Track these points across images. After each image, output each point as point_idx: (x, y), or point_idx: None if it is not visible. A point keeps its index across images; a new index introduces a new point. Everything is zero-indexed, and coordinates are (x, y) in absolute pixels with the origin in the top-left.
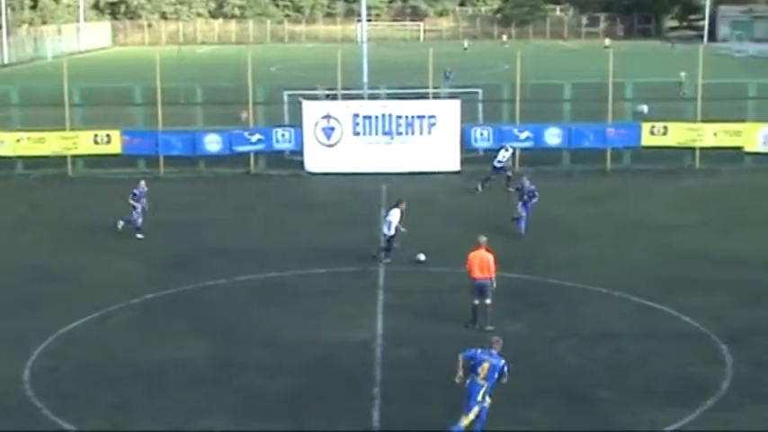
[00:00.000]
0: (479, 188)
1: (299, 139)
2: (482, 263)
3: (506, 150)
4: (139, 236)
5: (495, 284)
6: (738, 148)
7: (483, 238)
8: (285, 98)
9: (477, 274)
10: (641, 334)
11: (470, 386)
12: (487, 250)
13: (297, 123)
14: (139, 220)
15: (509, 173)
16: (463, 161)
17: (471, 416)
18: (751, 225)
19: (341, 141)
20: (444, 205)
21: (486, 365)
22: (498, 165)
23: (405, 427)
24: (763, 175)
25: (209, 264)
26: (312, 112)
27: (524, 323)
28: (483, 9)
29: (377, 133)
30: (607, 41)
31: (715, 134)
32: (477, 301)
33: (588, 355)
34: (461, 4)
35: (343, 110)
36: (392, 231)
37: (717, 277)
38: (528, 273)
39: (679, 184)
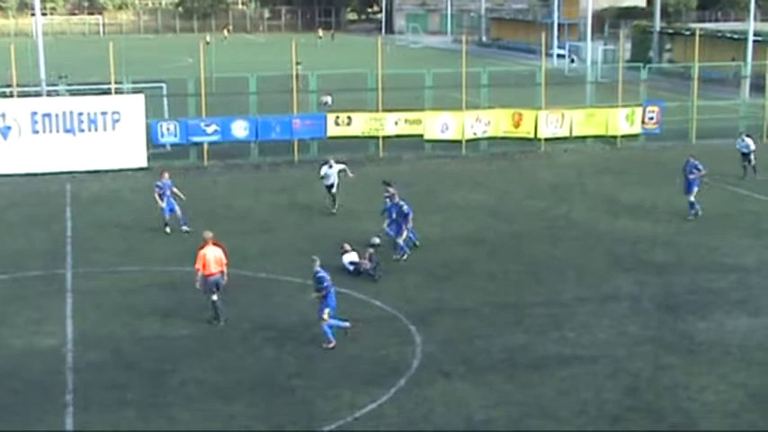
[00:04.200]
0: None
1: None
2: (215, 259)
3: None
4: (167, 230)
5: (226, 278)
6: (419, 136)
7: (209, 234)
8: None
9: (212, 269)
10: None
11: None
12: (216, 244)
13: None
14: (168, 215)
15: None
16: (150, 157)
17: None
18: (435, 210)
19: (19, 140)
20: (132, 202)
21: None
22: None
23: None
24: (442, 161)
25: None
26: None
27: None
28: (164, 2)
29: (58, 131)
30: (320, 32)
31: (396, 123)
32: (215, 297)
33: (284, 346)
34: None
35: (20, 108)
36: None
37: (402, 260)
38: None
39: (364, 172)
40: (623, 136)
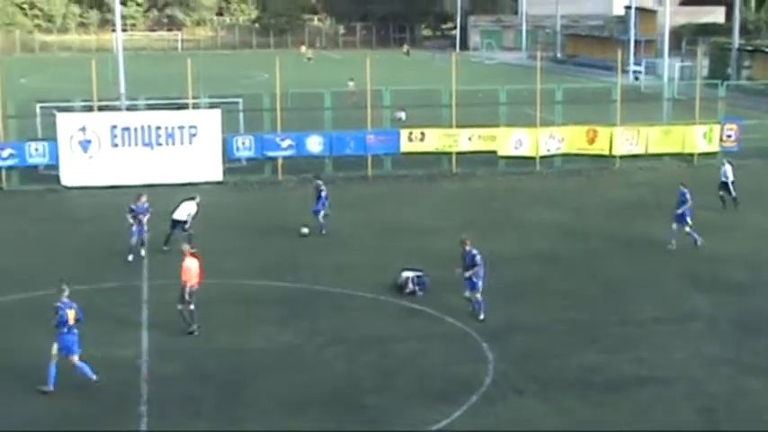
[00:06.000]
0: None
1: (55, 153)
2: (196, 271)
3: None
4: (130, 258)
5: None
6: (492, 153)
7: (186, 246)
8: (38, 111)
9: (193, 281)
10: (407, 336)
11: None
12: (194, 256)
13: (51, 136)
14: (134, 239)
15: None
16: (225, 171)
17: None
18: (509, 227)
19: (99, 154)
20: (207, 216)
21: None
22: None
23: None
24: (516, 177)
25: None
26: (67, 124)
27: (293, 331)
28: (241, 18)
29: (136, 144)
30: (405, 48)
31: (470, 139)
32: (180, 306)
33: (357, 361)
34: (219, 14)
35: (100, 122)
36: (182, 217)
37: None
38: (295, 281)
39: (437, 188)
40: (700, 154)
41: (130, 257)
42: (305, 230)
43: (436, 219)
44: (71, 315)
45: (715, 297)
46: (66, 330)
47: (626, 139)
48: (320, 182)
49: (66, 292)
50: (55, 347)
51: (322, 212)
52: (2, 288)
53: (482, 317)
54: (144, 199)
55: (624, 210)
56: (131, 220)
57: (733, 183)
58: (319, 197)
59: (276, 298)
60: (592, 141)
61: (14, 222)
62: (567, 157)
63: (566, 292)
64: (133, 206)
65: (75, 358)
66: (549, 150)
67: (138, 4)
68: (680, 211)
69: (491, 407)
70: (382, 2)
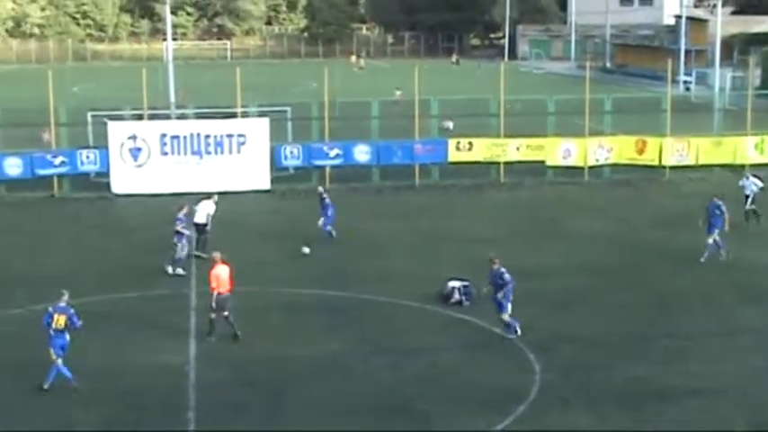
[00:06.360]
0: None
1: (105, 161)
2: (226, 278)
3: None
4: (181, 271)
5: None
6: (540, 162)
7: (217, 254)
8: (89, 119)
9: (222, 289)
10: (453, 346)
11: None
12: (224, 263)
13: (102, 144)
14: (184, 252)
15: None
16: (273, 180)
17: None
18: (554, 236)
19: (149, 162)
20: (255, 224)
21: None
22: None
23: None
24: (564, 187)
25: (13, 292)
26: (118, 132)
27: (340, 340)
28: (290, 28)
29: (185, 153)
30: (454, 57)
31: (518, 149)
32: (214, 315)
33: (403, 370)
34: (268, 24)
35: (150, 130)
36: (202, 220)
37: (523, 288)
38: (342, 289)
39: (485, 198)
40: (752, 165)
41: (181, 270)
42: (306, 250)
43: (483, 228)
44: (61, 320)
45: (765, 309)
46: (53, 333)
47: (676, 150)
48: (323, 191)
49: (65, 297)
50: (51, 351)
51: (322, 220)
52: (51, 294)
53: (517, 334)
54: (186, 210)
55: (673, 221)
56: (180, 230)
57: (755, 195)
58: (325, 206)
59: (323, 306)
60: (641, 152)
61: (65, 229)
62: (615, 167)
63: (613, 304)
64: (181, 216)
65: (59, 361)
66: (597, 160)
67: (189, 14)
68: (711, 222)
69: (537, 417)
70: (431, 11)
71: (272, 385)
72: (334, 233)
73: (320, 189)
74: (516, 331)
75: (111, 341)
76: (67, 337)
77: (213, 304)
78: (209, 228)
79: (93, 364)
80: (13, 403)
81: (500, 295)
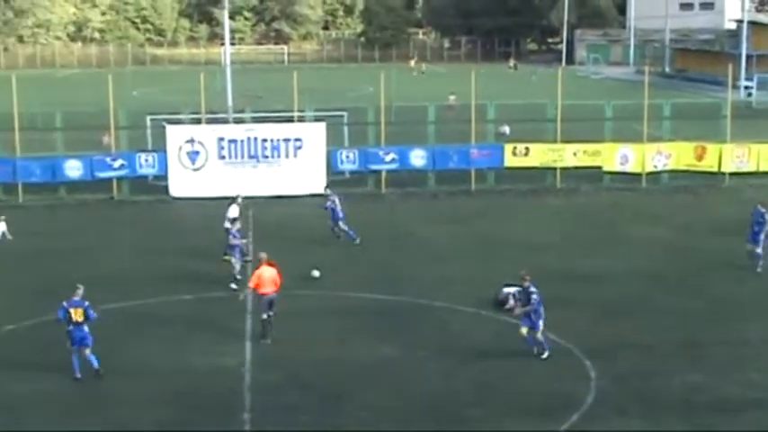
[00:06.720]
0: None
1: (164, 164)
2: (269, 278)
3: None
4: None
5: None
6: (597, 168)
7: (263, 255)
8: (148, 122)
9: (267, 289)
10: (508, 352)
11: None
12: (271, 264)
13: (161, 148)
14: (239, 266)
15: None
16: (329, 184)
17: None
18: (610, 243)
19: (206, 165)
20: (311, 228)
21: None
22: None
23: None
24: (621, 193)
25: (70, 293)
26: (176, 136)
27: (395, 345)
28: (346, 33)
29: (242, 157)
30: (512, 62)
31: (575, 154)
32: (265, 315)
33: (457, 375)
34: (325, 28)
35: (207, 133)
36: (227, 224)
37: (579, 294)
38: (397, 294)
39: (541, 203)
40: None
41: (234, 285)
42: (316, 273)
43: (539, 234)
44: (79, 313)
45: None
46: (72, 327)
47: (736, 156)
48: (330, 193)
49: (80, 291)
50: (68, 343)
51: (341, 222)
52: (110, 296)
53: (545, 355)
54: (238, 225)
55: (732, 228)
56: (232, 239)
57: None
58: (334, 209)
59: (378, 310)
60: (700, 158)
61: (124, 231)
62: (674, 173)
63: (670, 311)
64: (234, 231)
65: (87, 351)
66: (655, 166)
67: (247, 19)
68: (755, 230)
69: (592, 425)
70: (488, 15)
71: (326, 388)
72: (339, 234)
73: (327, 191)
74: (545, 351)
75: (167, 343)
76: (86, 329)
77: (257, 305)
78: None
79: (150, 365)
80: (72, 404)
81: (532, 317)
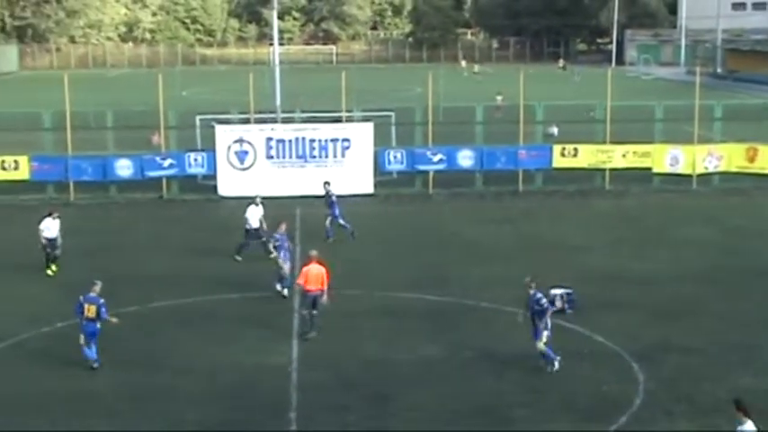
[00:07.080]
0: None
1: (212, 164)
2: (315, 276)
3: None
4: (279, 287)
5: (326, 297)
6: (647, 170)
7: (314, 252)
8: (197, 122)
9: (311, 286)
10: (556, 353)
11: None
12: (319, 263)
13: (209, 147)
14: (287, 266)
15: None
16: (377, 184)
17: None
18: (660, 245)
19: (254, 165)
20: (358, 228)
21: None
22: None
23: None
24: (671, 195)
25: (122, 290)
26: (225, 135)
27: (441, 345)
28: (394, 33)
29: (291, 157)
30: (561, 62)
31: (624, 156)
32: (306, 312)
33: (504, 377)
34: (373, 28)
35: (256, 133)
36: (255, 224)
37: (627, 296)
38: (443, 294)
39: (589, 204)
40: None
41: (279, 287)
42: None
43: (587, 236)
44: (92, 309)
45: None
46: (84, 322)
47: None
48: (330, 188)
49: (97, 288)
50: (81, 337)
51: (330, 219)
52: (159, 293)
53: (555, 368)
54: (284, 227)
55: None
56: (273, 249)
57: None
58: (332, 203)
59: (424, 311)
60: (752, 159)
61: (173, 230)
62: (725, 175)
63: (721, 314)
64: (276, 235)
65: (92, 345)
66: (706, 168)
67: (295, 19)
68: None
69: (640, 428)
70: (536, 16)
71: (373, 388)
72: (351, 230)
73: (327, 185)
74: (554, 363)
75: (215, 341)
76: (98, 325)
77: (301, 301)
78: (263, 230)
79: (197, 362)
80: (120, 401)
81: (542, 325)
